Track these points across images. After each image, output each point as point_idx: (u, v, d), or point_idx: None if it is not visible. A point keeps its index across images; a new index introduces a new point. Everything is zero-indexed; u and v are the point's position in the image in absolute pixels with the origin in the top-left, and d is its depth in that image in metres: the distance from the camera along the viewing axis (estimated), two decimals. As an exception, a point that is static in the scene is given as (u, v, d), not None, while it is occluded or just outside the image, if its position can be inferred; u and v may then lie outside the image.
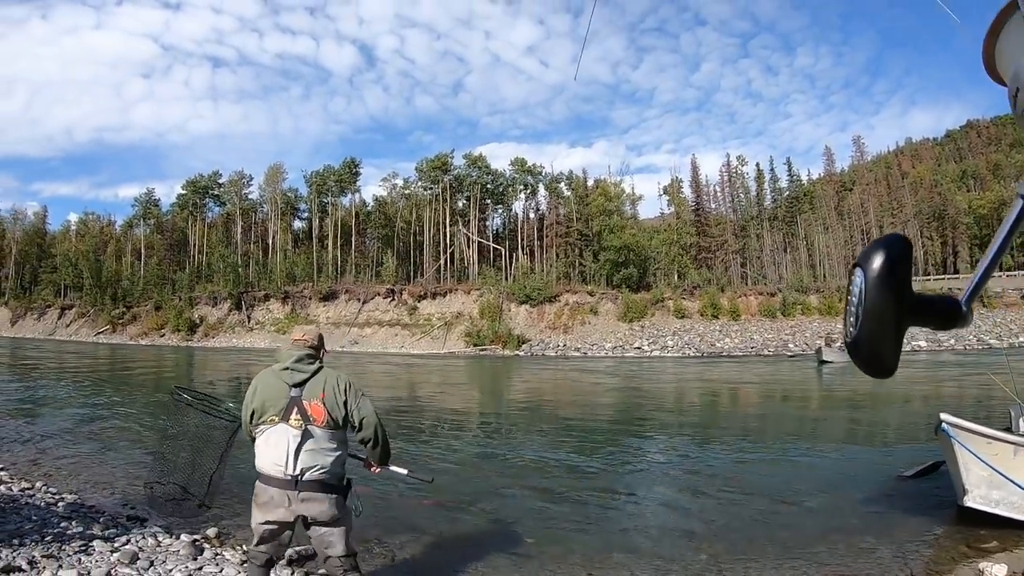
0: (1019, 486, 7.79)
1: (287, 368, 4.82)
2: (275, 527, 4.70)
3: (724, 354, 53.79)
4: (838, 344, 44.96)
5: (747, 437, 16.20)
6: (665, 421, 19.70)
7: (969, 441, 8.13)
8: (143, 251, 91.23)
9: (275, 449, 4.65)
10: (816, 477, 10.98)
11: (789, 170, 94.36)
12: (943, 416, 8.36)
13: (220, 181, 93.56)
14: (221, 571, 6.12)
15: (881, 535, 8.09)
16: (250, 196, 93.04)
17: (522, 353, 57.46)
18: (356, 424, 4.79)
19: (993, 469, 7.93)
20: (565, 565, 7.01)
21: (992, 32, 0.76)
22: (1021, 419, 9.80)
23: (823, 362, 40.86)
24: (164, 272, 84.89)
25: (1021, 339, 54.07)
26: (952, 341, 53.29)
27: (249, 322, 72.06)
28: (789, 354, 50.30)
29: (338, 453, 4.73)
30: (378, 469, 5.17)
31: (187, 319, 72.95)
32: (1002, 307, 65.07)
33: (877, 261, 0.68)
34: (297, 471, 4.60)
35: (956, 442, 8.17)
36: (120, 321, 78.31)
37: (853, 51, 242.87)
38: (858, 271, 0.70)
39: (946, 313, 0.72)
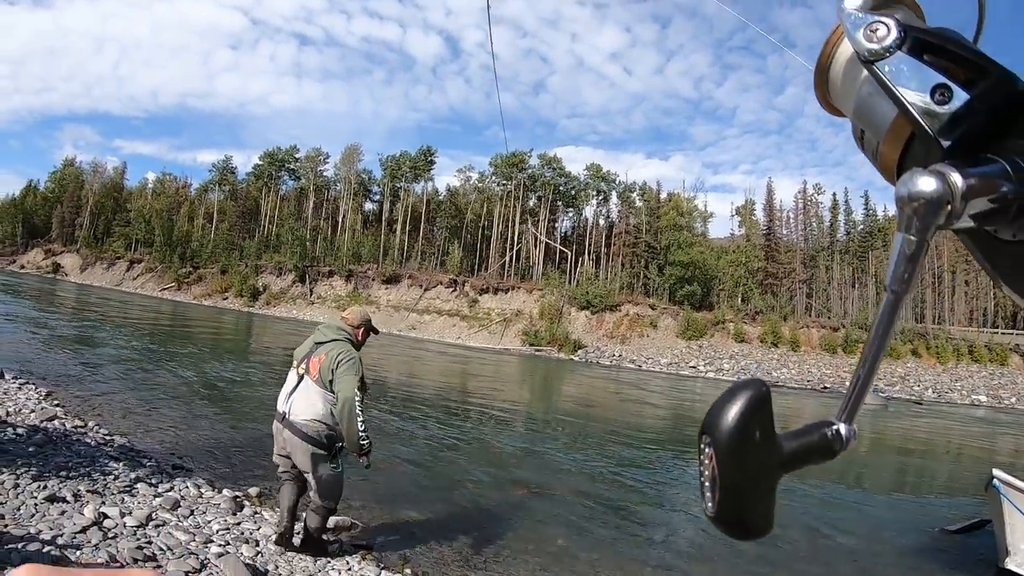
0: None
1: (320, 330, 6.07)
2: (281, 455, 5.94)
3: (779, 384, 53.03)
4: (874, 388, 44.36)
5: (795, 474, 15.75)
6: None
7: (1020, 501, 7.99)
8: (215, 215, 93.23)
9: (283, 387, 5.93)
10: (858, 520, 10.88)
11: (866, 203, 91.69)
12: (995, 472, 8.28)
13: (297, 156, 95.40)
14: (258, 528, 6.34)
15: None
16: (324, 173, 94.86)
17: (577, 358, 57.33)
18: (334, 393, 5.61)
19: None
20: (595, 571, 7.15)
21: (822, 61, 0.69)
22: None
23: None
24: (233, 238, 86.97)
25: None
26: (1014, 400, 51.79)
27: (311, 296, 73.29)
28: (820, 387, 49.67)
29: (320, 409, 5.66)
30: (361, 458, 5.71)
31: (251, 286, 74.60)
32: None
33: (727, 425, 0.59)
34: (286, 409, 5.76)
35: (1006, 500, 8.05)
36: (186, 280, 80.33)
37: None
38: (704, 439, 0.61)
39: (825, 446, 0.66)
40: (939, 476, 17.80)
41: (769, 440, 0.59)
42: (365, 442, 5.56)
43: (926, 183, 0.50)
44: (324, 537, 6.30)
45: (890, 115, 0.62)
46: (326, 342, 5.90)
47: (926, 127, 0.55)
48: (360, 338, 6.14)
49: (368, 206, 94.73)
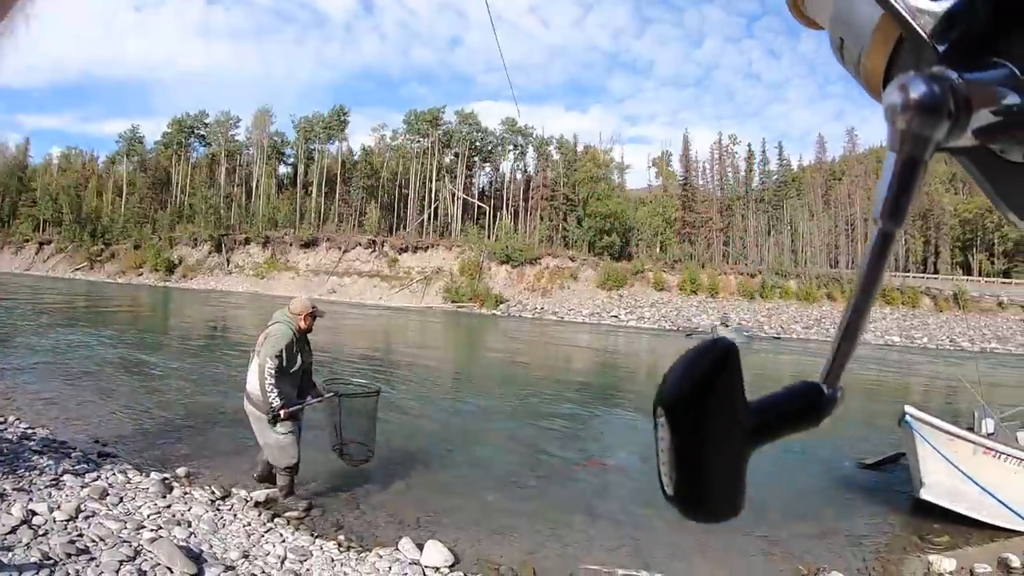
0: (976, 484, 8.05)
1: (272, 317, 7.25)
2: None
3: (700, 330, 55.04)
4: (734, 324, 47.34)
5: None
6: (634, 390, 20.41)
7: (931, 436, 8.40)
8: (124, 188, 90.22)
9: None
10: (781, 459, 11.12)
11: (780, 154, 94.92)
12: (907, 409, 8.67)
13: (206, 121, 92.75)
14: (189, 509, 6.48)
15: (839, 520, 8.58)
16: (236, 138, 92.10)
17: (499, 313, 58.45)
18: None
19: (952, 465, 8.21)
20: (529, 523, 7.53)
21: None
22: (985, 421, 10.25)
23: None
24: (145, 211, 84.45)
25: (993, 345, 55.55)
26: (925, 340, 54.92)
27: (228, 265, 72.29)
28: (687, 332, 51.17)
29: (255, 378, 6.91)
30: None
31: (166, 259, 73.02)
32: (977, 312, 66.77)
33: (684, 396, 0.47)
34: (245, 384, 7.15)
35: (918, 435, 8.45)
36: (98, 259, 78.24)
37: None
38: (659, 412, 0.49)
39: (804, 412, 0.52)
40: (855, 413, 18.16)
41: (737, 409, 0.49)
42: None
43: (922, 89, 0.40)
44: (287, 500, 7.21)
45: (874, 17, 0.53)
46: (270, 326, 7.11)
47: (917, 27, 0.46)
48: (302, 324, 7.12)
49: (282, 170, 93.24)
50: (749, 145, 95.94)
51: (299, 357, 7.02)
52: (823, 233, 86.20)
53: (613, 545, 7.20)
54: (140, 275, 72.58)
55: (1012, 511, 7.41)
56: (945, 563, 7.32)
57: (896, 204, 0.48)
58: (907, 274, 79.17)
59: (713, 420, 0.49)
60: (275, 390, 6.73)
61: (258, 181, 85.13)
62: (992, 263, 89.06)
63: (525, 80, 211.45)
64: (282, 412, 6.80)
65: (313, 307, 7.30)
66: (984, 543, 8.25)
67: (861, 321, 0.54)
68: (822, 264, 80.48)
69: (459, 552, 6.45)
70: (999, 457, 8.37)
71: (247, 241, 74.23)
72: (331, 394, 7.74)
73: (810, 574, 6.81)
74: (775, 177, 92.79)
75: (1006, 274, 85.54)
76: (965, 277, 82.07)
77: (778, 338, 50.83)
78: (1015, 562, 7.58)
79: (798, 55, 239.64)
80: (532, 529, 7.34)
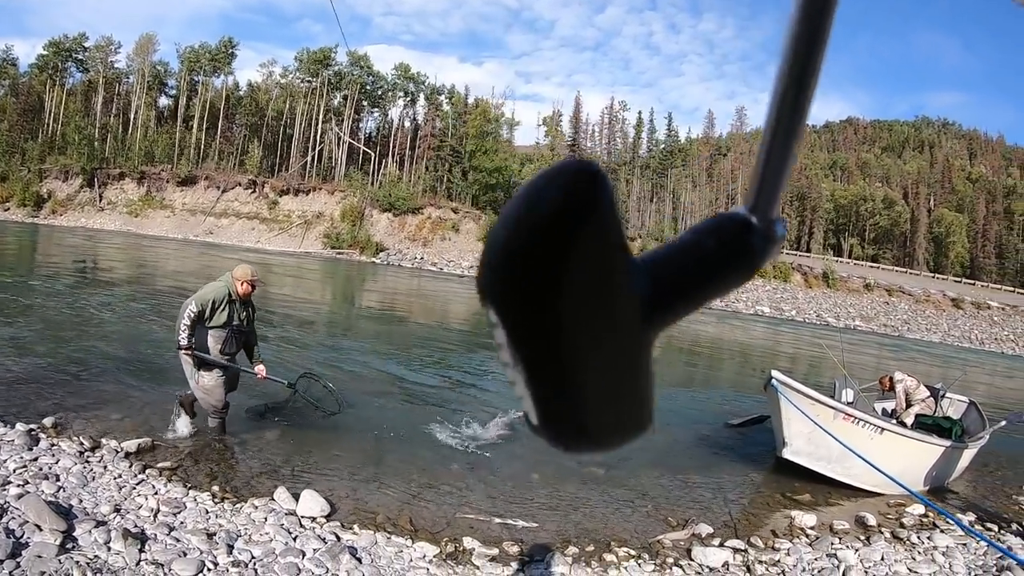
0: (835, 447, 8.43)
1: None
2: None
3: None
4: None
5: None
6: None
7: (796, 399, 8.82)
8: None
9: None
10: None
11: (669, 124, 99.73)
12: (774, 373, 9.03)
13: (86, 44, 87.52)
14: (57, 462, 6.22)
15: (706, 476, 8.94)
16: (116, 65, 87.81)
17: (379, 261, 60.13)
18: None
19: (815, 427, 8.58)
20: (405, 472, 7.62)
21: None
22: (845, 390, 11.30)
23: None
24: (14, 139, 77.83)
25: (857, 322, 60.91)
26: (794, 312, 59.53)
27: (100, 201, 70.16)
28: (461, 274, 52.68)
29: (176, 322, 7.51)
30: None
31: (34, 193, 69.91)
32: (845, 291, 73.26)
33: (526, 260, 0.31)
34: None
35: (784, 398, 8.84)
36: (-41, 190, 71.88)
37: (757, 28, 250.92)
38: (487, 297, 0.34)
39: (728, 258, 0.39)
40: (723, 377, 19.56)
41: (614, 269, 0.33)
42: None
43: None
44: (222, 437, 7.73)
45: None
46: (210, 283, 7.75)
47: None
48: (242, 289, 7.65)
49: (163, 101, 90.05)
50: (640, 113, 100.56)
51: (227, 316, 7.51)
52: (705, 204, 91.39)
53: (489, 494, 7.35)
54: (6, 210, 68.62)
55: (873, 470, 7.59)
56: (806, 519, 7.81)
57: None
58: (781, 251, 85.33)
59: (577, 292, 0.32)
60: (186, 331, 7.22)
61: (136, 112, 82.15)
62: (863, 248, 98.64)
63: (422, 27, 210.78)
64: (181, 351, 7.34)
65: (253, 275, 7.79)
66: (842, 502, 8.81)
67: (797, 117, 0.38)
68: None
69: (335, 502, 6.49)
70: (857, 423, 8.86)
71: (121, 176, 71.64)
72: (283, 382, 8.70)
73: (679, 526, 7.10)
74: (662, 146, 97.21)
75: (874, 259, 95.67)
76: (836, 258, 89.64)
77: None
78: (871, 520, 8.06)
79: (698, 32, 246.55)
80: (408, 479, 7.45)
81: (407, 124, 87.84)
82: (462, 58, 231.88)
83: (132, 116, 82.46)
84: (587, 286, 0.31)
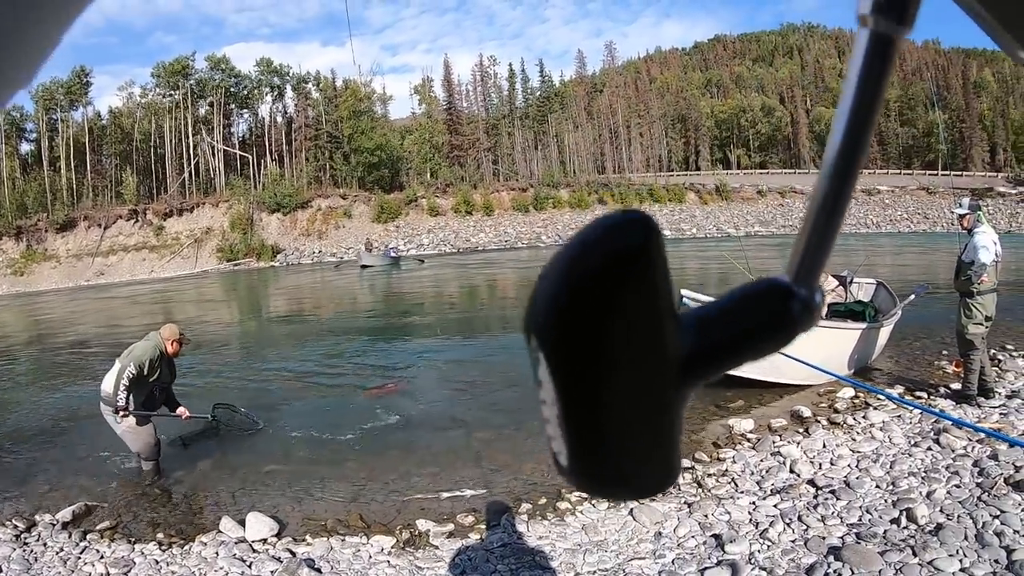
0: None
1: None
2: None
3: (480, 249, 59.18)
4: (380, 249, 50.03)
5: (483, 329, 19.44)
6: (417, 314, 22.65)
7: None
8: None
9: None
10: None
11: (541, 71, 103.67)
12: (683, 292, 9.07)
13: None
14: None
15: None
16: None
17: (277, 264, 60.45)
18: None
19: None
20: (344, 470, 7.84)
21: None
22: None
23: (364, 267, 44.77)
24: None
25: (756, 228, 63.79)
26: (694, 231, 61.58)
27: None
28: (335, 264, 53.62)
29: (112, 379, 7.63)
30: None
31: None
32: (740, 201, 76.80)
33: (575, 313, 0.33)
34: None
35: None
36: None
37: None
38: (534, 343, 0.35)
39: (767, 326, 0.38)
40: None
41: (662, 328, 0.35)
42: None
43: None
44: (155, 480, 7.84)
45: None
46: (139, 342, 8.01)
47: None
48: (172, 348, 8.03)
49: (25, 147, 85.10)
50: (510, 64, 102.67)
51: (158, 374, 7.86)
52: (588, 143, 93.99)
53: (431, 472, 7.50)
54: None
55: (797, 364, 7.69)
56: (744, 424, 8.16)
57: None
58: (671, 173, 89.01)
59: (623, 347, 0.33)
60: (125, 392, 7.46)
61: None
62: (750, 157, 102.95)
63: (278, 17, 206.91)
64: (120, 412, 7.55)
65: (181, 334, 8.17)
66: (775, 401, 9.20)
67: (846, 189, 0.40)
68: (591, 172, 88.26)
69: (282, 518, 6.53)
70: None
71: None
72: (206, 416, 9.19)
73: None
74: (538, 94, 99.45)
75: (762, 165, 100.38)
76: (726, 172, 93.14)
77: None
78: (806, 412, 8.48)
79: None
80: (348, 477, 7.54)
81: (279, 120, 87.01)
82: (324, 41, 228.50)
83: (-5, 170, 78.46)
84: (635, 341, 0.32)
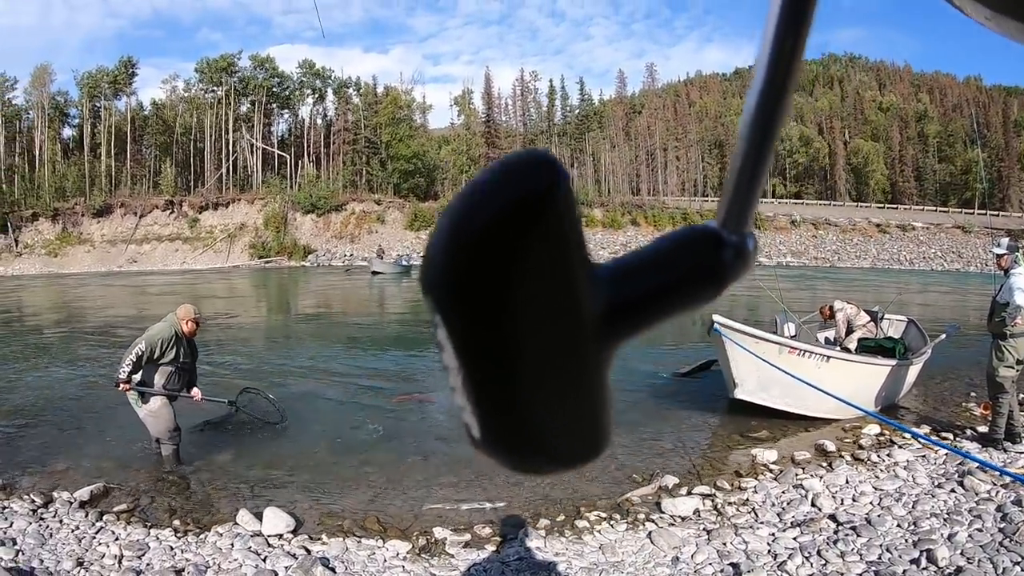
0: (788, 375, 8.21)
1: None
2: None
3: (356, 266, 58.07)
4: (391, 257, 50.89)
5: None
6: None
7: (740, 340, 8.93)
8: None
9: None
10: None
11: (581, 89, 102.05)
12: (715, 317, 9.06)
13: None
14: (11, 525, 6.03)
15: (662, 428, 9.15)
16: (15, 101, 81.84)
17: (308, 264, 60.95)
18: None
19: (763, 361, 8.61)
20: (365, 472, 7.73)
21: None
22: (787, 325, 11.67)
23: (375, 273, 45.26)
24: None
25: (788, 259, 63.50)
26: None
27: (17, 246, 65.37)
28: (345, 267, 54.08)
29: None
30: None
31: None
32: (773, 230, 76.53)
33: (473, 264, 0.29)
34: None
35: (728, 340, 8.93)
36: None
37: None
38: (431, 299, 0.31)
39: (695, 273, 0.36)
40: (663, 330, 20.20)
41: (574, 278, 0.31)
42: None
43: None
44: (175, 467, 7.77)
45: None
46: (156, 324, 7.99)
47: None
48: (187, 328, 7.98)
49: (67, 132, 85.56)
50: (551, 81, 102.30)
51: (175, 353, 7.81)
52: (625, 163, 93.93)
53: (451, 481, 7.34)
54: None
55: (825, 397, 7.59)
56: (767, 455, 7.97)
57: None
58: (706, 199, 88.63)
59: (528, 303, 0.30)
60: (128, 367, 7.43)
61: (41, 147, 77.89)
62: (785, 186, 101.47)
63: (324, 22, 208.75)
64: (119, 386, 7.53)
65: (196, 313, 8.14)
66: (799, 433, 9.05)
67: (771, 133, 0.37)
68: (625, 193, 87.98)
69: (299, 515, 6.42)
70: (803, 355, 9.02)
71: (35, 217, 67.41)
72: (222, 401, 9.16)
73: (645, 482, 7.16)
74: (577, 111, 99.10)
75: (797, 196, 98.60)
76: (760, 200, 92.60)
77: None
78: (830, 446, 8.33)
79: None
80: (368, 479, 7.44)
81: (319, 122, 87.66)
82: (366, 48, 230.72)
83: (37, 152, 78.94)
84: (542, 295, 0.29)
